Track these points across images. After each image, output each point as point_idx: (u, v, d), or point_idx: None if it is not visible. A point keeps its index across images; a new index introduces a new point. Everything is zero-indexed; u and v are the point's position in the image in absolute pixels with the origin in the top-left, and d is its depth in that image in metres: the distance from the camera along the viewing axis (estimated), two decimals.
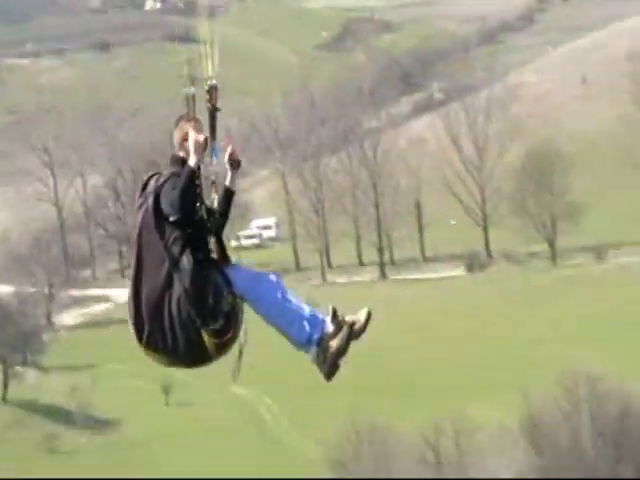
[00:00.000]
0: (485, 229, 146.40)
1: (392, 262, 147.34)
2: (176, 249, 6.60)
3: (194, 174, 6.69)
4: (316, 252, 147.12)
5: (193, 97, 7.31)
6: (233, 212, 8.06)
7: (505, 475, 76.10)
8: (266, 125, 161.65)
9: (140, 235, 6.77)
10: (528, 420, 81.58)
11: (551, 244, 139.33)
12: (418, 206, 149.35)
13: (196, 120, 7.21)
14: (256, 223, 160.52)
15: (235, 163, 7.36)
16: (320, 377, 7.26)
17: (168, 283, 6.54)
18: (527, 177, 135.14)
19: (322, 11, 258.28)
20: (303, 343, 6.75)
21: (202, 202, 6.94)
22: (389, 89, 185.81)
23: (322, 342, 6.67)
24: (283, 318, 6.66)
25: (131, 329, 6.87)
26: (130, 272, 6.94)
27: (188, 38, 10.65)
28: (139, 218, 6.84)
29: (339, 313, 6.80)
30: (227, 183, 7.35)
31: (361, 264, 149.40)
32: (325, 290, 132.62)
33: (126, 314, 7.57)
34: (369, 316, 6.98)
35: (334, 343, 6.68)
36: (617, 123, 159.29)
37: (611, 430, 79.35)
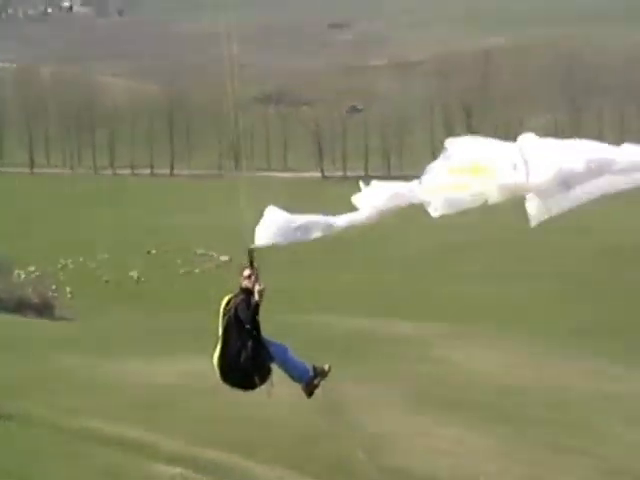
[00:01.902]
0: None
1: None
2: (245, 334, 9.79)
3: (258, 306, 9.78)
4: None
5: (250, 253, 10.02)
6: None
7: None
8: None
9: (227, 327, 9.86)
10: None
11: None
12: None
13: (253, 268, 9.97)
14: None
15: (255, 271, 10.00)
16: None
17: (239, 352, 9.77)
18: None
19: None
20: (299, 380, 10.08)
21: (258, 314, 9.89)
22: None
23: (308, 380, 10.03)
24: (292, 369, 10.01)
25: (217, 373, 10.03)
26: (219, 344, 10.00)
27: None
28: (227, 319, 9.89)
29: (317, 366, 10.13)
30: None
31: None
32: None
33: None
34: (330, 368, 10.15)
35: (314, 382, 10.05)
36: None
37: None
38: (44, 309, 75.92)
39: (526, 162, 7.57)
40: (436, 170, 8.28)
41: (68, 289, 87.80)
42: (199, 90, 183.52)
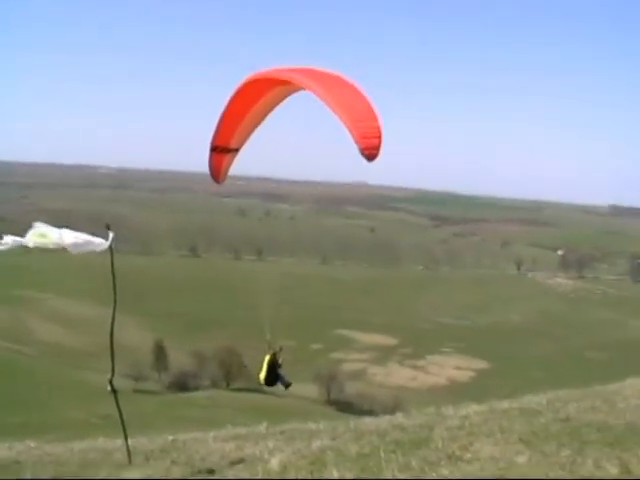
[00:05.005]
0: None
1: None
2: (277, 369, 15.42)
3: (279, 365, 15.69)
4: None
5: (269, 344, 15.28)
6: None
7: None
8: None
9: (270, 365, 15.40)
10: None
11: None
12: None
13: (272, 350, 15.54)
14: None
15: (280, 349, 15.54)
16: None
17: (270, 374, 15.39)
18: None
19: None
20: (284, 384, 15.71)
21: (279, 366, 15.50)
22: None
23: (286, 385, 15.80)
24: (282, 381, 15.67)
25: (262, 381, 15.70)
26: (265, 370, 15.61)
27: None
28: (270, 364, 15.61)
29: (289, 382, 15.87)
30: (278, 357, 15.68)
31: None
32: None
33: None
34: (291, 382, 16.25)
35: (288, 386, 15.86)
36: None
37: None
38: None
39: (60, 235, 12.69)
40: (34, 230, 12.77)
41: None
42: None
